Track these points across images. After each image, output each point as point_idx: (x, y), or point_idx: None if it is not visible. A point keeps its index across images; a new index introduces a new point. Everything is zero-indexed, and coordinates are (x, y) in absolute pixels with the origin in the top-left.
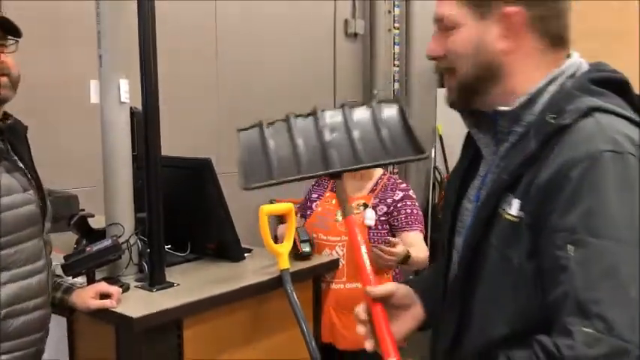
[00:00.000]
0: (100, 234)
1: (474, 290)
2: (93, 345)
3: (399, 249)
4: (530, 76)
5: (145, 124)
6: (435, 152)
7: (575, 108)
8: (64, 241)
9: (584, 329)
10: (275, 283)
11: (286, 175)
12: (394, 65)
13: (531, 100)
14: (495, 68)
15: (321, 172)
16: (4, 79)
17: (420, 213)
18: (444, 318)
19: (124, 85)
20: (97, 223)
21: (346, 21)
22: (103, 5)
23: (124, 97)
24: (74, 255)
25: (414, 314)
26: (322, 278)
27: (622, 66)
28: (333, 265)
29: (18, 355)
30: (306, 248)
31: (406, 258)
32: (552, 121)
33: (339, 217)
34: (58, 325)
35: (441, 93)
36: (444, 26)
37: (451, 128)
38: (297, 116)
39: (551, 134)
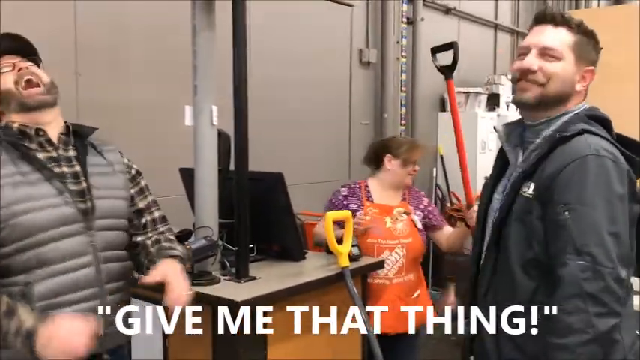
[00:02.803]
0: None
1: (503, 245)
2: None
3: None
4: (568, 109)
5: (237, 146)
6: (436, 171)
7: (574, 129)
8: None
9: (578, 262)
10: (335, 279)
11: None
12: (402, 91)
13: (549, 122)
14: (566, 97)
15: None
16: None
17: None
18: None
19: (214, 110)
20: None
21: (361, 51)
22: (199, 43)
23: (215, 120)
24: None
25: None
26: (382, 274)
27: (602, 97)
28: (378, 265)
29: None
30: (355, 251)
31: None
32: (558, 135)
33: (389, 223)
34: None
35: (442, 117)
36: (549, 53)
37: (451, 149)
38: None
39: (556, 143)
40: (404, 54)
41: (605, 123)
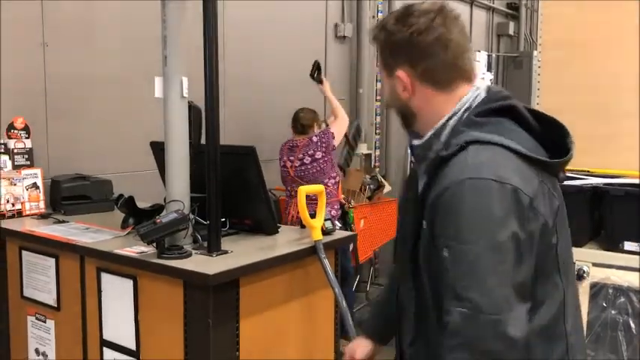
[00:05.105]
0: (146, 213)
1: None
2: (159, 300)
3: None
4: (437, 113)
5: (208, 117)
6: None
7: (455, 142)
8: (102, 220)
9: (459, 309)
10: (307, 252)
11: None
12: (377, 66)
13: (436, 134)
14: (407, 110)
15: None
16: None
17: None
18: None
19: (185, 82)
20: None
21: (336, 25)
22: (169, 13)
23: (185, 92)
24: (148, 225)
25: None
26: None
27: (583, 73)
28: (351, 239)
29: None
30: (329, 225)
31: None
32: (437, 155)
33: None
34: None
35: None
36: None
37: None
38: None
39: (437, 166)
40: None
41: (510, 110)
